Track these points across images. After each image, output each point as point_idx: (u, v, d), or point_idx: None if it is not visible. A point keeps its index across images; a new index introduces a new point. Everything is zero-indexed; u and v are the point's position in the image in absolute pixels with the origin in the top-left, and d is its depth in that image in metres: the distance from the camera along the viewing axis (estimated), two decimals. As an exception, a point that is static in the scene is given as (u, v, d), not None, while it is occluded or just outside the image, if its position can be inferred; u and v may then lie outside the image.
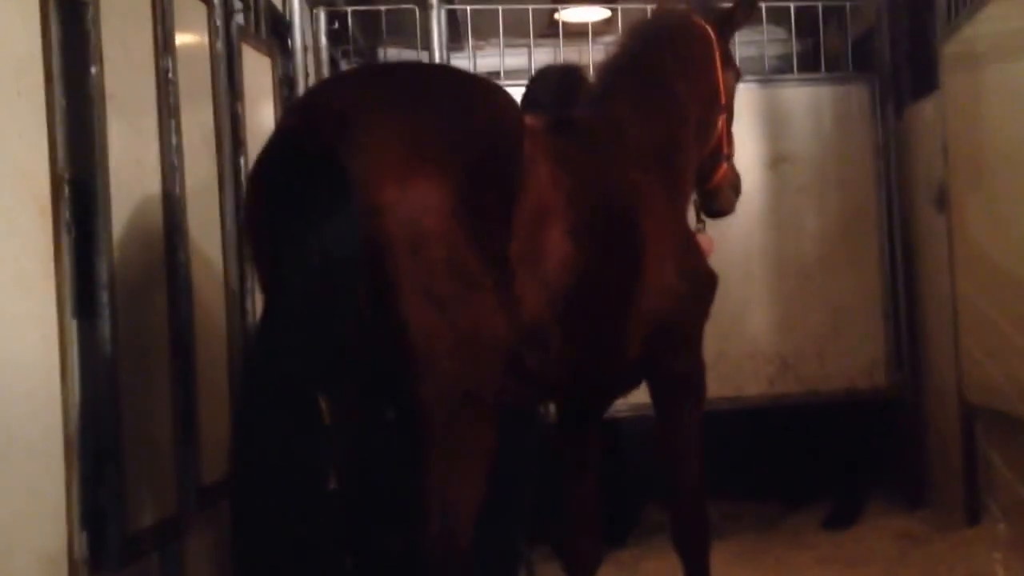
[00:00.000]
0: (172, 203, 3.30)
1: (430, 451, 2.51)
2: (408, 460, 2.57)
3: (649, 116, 3.55)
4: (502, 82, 5.64)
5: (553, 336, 2.84)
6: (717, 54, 3.83)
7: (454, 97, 2.61)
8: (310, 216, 2.28)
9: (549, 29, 6.23)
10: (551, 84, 4.07)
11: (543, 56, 5.92)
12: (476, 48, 6.16)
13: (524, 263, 2.63)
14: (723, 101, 3.86)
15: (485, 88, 2.80)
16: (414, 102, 2.50)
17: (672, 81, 3.66)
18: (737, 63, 4.19)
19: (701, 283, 3.51)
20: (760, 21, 5.88)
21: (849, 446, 6.09)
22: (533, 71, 5.66)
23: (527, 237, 2.65)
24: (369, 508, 2.83)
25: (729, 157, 3.96)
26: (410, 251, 2.35)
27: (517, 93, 4.64)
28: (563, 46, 5.75)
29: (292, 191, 2.31)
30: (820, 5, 6.01)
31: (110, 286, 2.83)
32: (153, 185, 3.22)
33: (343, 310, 2.32)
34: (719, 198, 3.97)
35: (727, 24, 3.92)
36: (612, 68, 3.70)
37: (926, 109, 5.61)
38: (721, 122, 3.87)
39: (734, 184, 4.03)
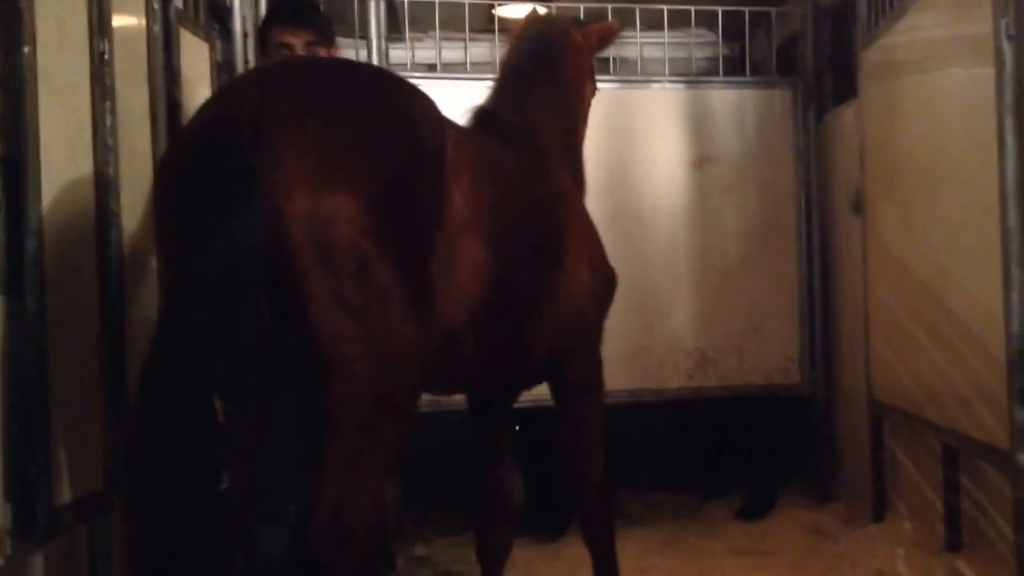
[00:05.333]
0: (105, 184, 3.31)
1: (334, 451, 2.48)
2: (307, 460, 2.56)
3: (553, 119, 3.70)
4: (439, 75, 5.75)
5: (467, 341, 2.85)
6: (586, 68, 3.98)
7: (376, 108, 2.59)
8: (219, 219, 2.27)
9: (487, 24, 6.29)
10: None
11: (479, 50, 6.00)
12: (414, 40, 6.21)
13: (444, 272, 2.63)
14: (585, 112, 4.00)
15: (408, 98, 2.76)
16: (334, 111, 2.48)
17: (566, 89, 3.82)
18: (600, 72, 4.33)
19: (607, 282, 3.59)
20: (689, 24, 6.02)
21: (764, 441, 6.24)
22: (469, 66, 5.78)
23: (448, 248, 2.65)
24: (263, 508, 2.84)
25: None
26: (319, 261, 2.33)
27: (452, 86, 4.73)
28: (499, 41, 5.81)
29: (203, 193, 2.30)
30: (747, 10, 6.11)
31: (38, 263, 2.83)
32: (85, 165, 3.22)
33: (244, 313, 2.31)
34: None
35: (599, 41, 4.08)
36: (515, 71, 3.80)
37: (845, 115, 5.72)
38: (582, 132, 3.99)
39: None
